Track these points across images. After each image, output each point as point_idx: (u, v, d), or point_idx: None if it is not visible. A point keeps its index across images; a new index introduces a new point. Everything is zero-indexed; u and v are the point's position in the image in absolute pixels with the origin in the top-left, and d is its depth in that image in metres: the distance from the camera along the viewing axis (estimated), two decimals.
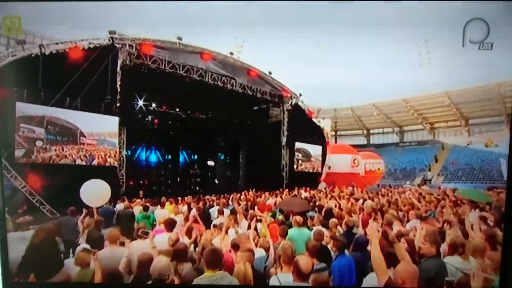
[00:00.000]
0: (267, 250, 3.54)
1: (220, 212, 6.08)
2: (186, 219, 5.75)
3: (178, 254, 3.19)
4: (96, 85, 9.58)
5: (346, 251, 3.56)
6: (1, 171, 6.19)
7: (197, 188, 16.08)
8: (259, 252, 3.45)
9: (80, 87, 9.22)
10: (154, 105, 14.18)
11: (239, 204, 7.08)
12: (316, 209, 6.83)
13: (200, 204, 8.09)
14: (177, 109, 14.96)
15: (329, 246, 3.76)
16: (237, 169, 16.18)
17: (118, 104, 10.26)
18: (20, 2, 5.07)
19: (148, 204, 7.30)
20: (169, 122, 15.47)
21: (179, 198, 9.36)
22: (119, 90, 10.30)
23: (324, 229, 4.47)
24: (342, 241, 3.49)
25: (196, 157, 17.71)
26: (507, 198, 3.77)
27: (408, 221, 5.71)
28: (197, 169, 17.07)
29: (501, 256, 3.31)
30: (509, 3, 4.13)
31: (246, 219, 5.19)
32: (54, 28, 8.16)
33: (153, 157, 15.98)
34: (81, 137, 10.31)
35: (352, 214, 5.76)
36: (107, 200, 6.33)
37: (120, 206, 7.61)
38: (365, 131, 26.64)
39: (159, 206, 7.90)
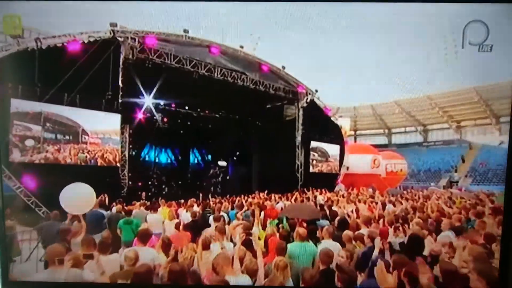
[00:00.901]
0: (253, 274, 2.71)
1: (217, 219, 5.31)
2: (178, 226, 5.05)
3: (138, 277, 2.43)
4: (96, 81, 9.05)
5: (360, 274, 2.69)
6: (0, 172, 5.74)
7: (218, 188, 15.50)
8: (242, 279, 2.63)
9: (79, 83, 8.73)
10: (162, 103, 13.60)
11: (241, 209, 6.32)
12: (329, 216, 5.96)
13: (199, 208, 7.42)
14: (187, 107, 14.30)
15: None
16: (250, 170, 15.38)
17: (120, 101, 9.74)
18: (19, 1, 5.11)
19: (127, 207, 6.67)
20: (179, 121, 14.84)
21: (182, 200, 8.72)
22: (121, 86, 9.77)
23: (335, 245, 3.61)
24: (350, 273, 2.58)
25: (210, 157, 17.04)
26: (506, 198, 3.84)
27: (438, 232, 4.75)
28: (217, 169, 16.38)
29: (500, 255, 3.34)
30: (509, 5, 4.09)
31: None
32: (53, 23, 7.76)
33: (163, 157, 15.41)
34: (83, 136, 9.83)
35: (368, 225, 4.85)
36: (91, 207, 5.67)
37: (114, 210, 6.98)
38: (386, 130, 25.21)
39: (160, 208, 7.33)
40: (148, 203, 8.31)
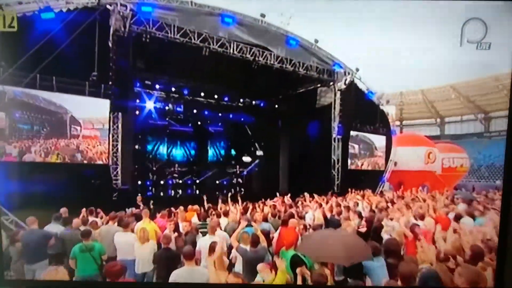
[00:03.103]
0: None
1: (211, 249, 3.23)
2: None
3: None
4: (77, 59, 7.28)
5: None
6: None
7: (240, 190, 13.61)
8: None
9: (56, 62, 6.97)
10: (173, 89, 11.79)
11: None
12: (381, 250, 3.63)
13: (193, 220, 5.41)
14: (202, 94, 12.38)
15: None
16: (276, 167, 13.19)
17: (110, 84, 7.91)
18: None
19: (89, 227, 4.75)
20: (194, 111, 12.97)
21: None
22: (113, 67, 7.93)
23: None
24: None
25: (233, 152, 15.04)
26: (503, 199, 3.82)
27: None
28: (237, 167, 14.39)
29: (496, 257, 3.42)
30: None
31: None
32: None
33: (178, 153, 13.54)
34: (72, 126, 8.12)
35: None
36: None
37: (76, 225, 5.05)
38: (438, 119, 21.80)
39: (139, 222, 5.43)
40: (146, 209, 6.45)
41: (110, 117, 8.11)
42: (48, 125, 7.69)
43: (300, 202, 7.94)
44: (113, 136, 8.19)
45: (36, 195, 6.49)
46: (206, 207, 7.21)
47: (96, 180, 7.86)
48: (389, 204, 7.64)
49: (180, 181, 12.67)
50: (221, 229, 5.16)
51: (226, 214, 6.07)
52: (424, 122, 22.35)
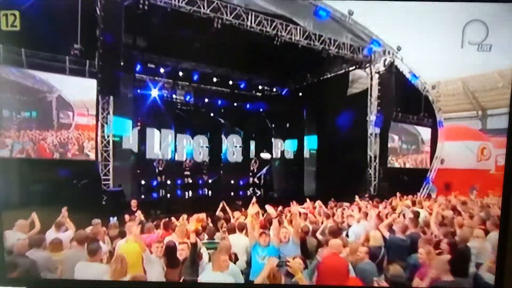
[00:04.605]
0: None
1: None
2: None
3: None
4: (55, 27, 5.76)
5: None
6: None
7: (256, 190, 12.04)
8: None
9: (27, 30, 5.43)
10: (181, 73, 10.22)
11: None
12: None
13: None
14: (215, 79, 10.74)
15: None
16: (301, 165, 11.47)
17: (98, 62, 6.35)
18: None
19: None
20: (206, 100, 11.35)
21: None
22: (102, 38, 6.35)
23: None
24: None
25: (251, 147, 13.35)
26: (503, 196, 4.03)
27: None
28: (255, 165, 12.75)
29: (496, 254, 3.54)
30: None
31: None
32: None
33: (187, 149, 11.92)
34: (59, 111, 6.58)
35: None
36: None
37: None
38: (480, 112, 19.51)
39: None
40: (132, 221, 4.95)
41: (98, 101, 6.54)
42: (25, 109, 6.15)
43: (338, 210, 6.14)
44: (102, 125, 6.62)
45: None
46: (216, 216, 5.59)
47: (79, 180, 6.30)
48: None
49: (190, 181, 11.07)
50: (233, 262, 3.49)
51: (242, 228, 4.39)
52: (463, 115, 20.09)
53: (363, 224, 5.20)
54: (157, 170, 10.71)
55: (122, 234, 4.48)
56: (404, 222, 4.52)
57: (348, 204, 7.02)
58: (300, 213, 5.09)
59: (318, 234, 4.34)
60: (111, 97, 6.61)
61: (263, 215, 4.82)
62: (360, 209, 6.16)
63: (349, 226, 5.36)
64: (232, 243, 3.88)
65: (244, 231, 4.26)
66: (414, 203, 7.29)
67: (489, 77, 16.57)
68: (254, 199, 4.41)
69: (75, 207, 4.96)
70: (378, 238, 4.08)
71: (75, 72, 6.13)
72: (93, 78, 6.27)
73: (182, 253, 3.64)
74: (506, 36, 4.50)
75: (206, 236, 4.46)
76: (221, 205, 5.95)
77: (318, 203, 6.48)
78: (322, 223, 5.28)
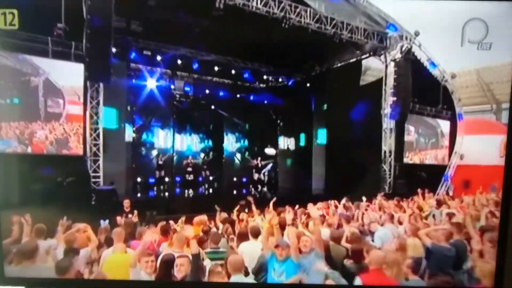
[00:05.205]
0: None
1: None
2: None
3: None
4: (34, 6, 5.03)
5: None
6: None
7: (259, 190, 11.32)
8: None
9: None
10: (179, 61, 9.50)
11: None
12: None
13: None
14: (216, 68, 10.03)
15: None
16: (309, 161, 10.82)
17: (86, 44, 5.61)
18: None
19: None
20: (207, 92, 10.67)
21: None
22: (88, 17, 5.61)
23: None
24: None
25: (255, 142, 12.70)
26: (503, 195, 4.04)
27: None
28: (259, 161, 12.05)
29: (496, 254, 3.45)
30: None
31: None
32: None
33: (186, 144, 11.25)
34: (47, 99, 5.84)
35: None
36: None
37: None
38: (494, 105, 18.76)
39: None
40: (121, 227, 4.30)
41: (86, 88, 5.80)
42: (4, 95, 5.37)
43: (358, 211, 5.39)
44: (91, 116, 5.89)
45: None
46: (219, 219, 4.89)
47: (65, 178, 5.58)
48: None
49: (189, 178, 10.39)
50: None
51: (255, 233, 3.66)
52: (476, 108, 19.37)
53: (388, 228, 4.48)
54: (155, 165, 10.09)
55: (108, 241, 3.79)
56: (446, 227, 3.78)
57: (366, 203, 6.28)
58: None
59: (343, 243, 3.60)
60: (101, 85, 5.87)
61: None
62: (380, 209, 5.47)
63: (370, 230, 4.63)
64: (243, 252, 3.16)
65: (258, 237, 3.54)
66: (439, 203, 6.58)
67: (502, 68, 15.81)
68: (271, 202, 3.72)
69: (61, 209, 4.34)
70: (418, 247, 3.34)
71: (59, 55, 5.39)
72: (79, 62, 5.53)
73: (181, 269, 2.90)
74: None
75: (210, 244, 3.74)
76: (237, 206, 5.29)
77: (334, 203, 5.77)
78: (338, 226, 4.57)
